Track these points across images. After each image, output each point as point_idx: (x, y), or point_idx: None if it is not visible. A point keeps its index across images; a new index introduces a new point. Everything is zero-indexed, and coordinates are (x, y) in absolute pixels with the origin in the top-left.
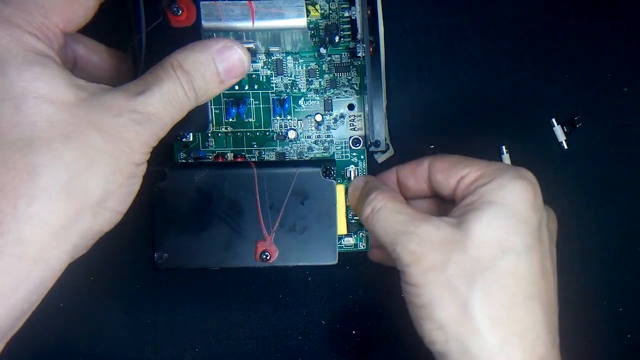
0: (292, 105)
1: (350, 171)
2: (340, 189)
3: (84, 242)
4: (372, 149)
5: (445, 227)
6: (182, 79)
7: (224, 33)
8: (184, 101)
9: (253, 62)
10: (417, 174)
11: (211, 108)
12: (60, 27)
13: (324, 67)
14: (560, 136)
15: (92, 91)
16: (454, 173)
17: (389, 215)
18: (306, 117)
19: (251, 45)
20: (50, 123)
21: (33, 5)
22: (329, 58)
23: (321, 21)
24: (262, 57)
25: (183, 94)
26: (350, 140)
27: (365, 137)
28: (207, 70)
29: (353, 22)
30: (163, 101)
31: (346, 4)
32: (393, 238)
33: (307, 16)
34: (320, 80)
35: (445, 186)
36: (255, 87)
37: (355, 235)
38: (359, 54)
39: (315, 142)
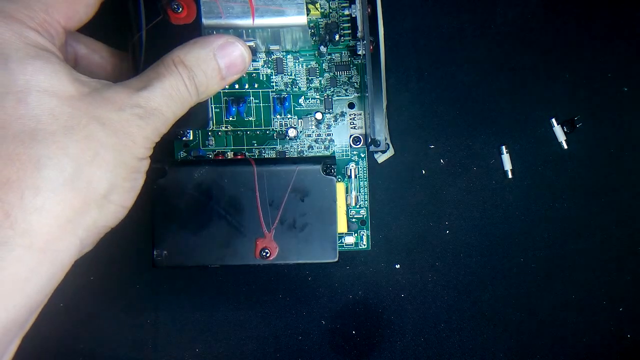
0: (292, 103)
1: (350, 169)
2: (340, 187)
3: (90, 236)
4: (372, 148)
5: None
6: (184, 75)
7: (224, 31)
8: (186, 97)
9: (253, 60)
10: None
11: (211, 107)
12: (62, 24)
13: (324, 65)
14: (560, 136)
15: (94, 86)
16: None
17: None
18: (306, 115)
19: (251, 44)
20: (53, 116)
21: (35, 2)
22: (329, 56)
23: (321, 19)
24: (262, 55)
25: (185, 89)
26: (351, 139)
27: (365, 136)
28: (209, 66)
29: (353, 20)
30: (165, 96)
31: (346, 2)
32: None
33: (307, 15)
34: (320, 78)
35: None
36: (256, 85)
37: (356, 234)
38: (359, 52)
39: (316, 141)
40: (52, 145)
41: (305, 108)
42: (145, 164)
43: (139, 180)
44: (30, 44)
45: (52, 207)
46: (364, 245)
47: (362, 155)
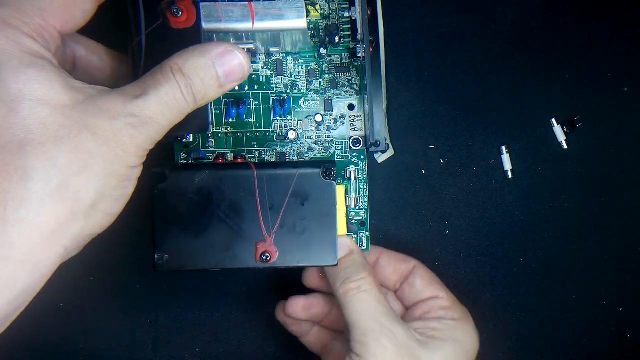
0: (292, 105)
1: (350, 171)
2: (340, 190)
3: (75, 244)
4: (372, 149)
5: (414, 341)
6: (181, 83)
7: (224, 34)
8: (183, 105)
9: (253, 62)
10: (398, 269)
11: (211, 109)
12: (58, 29)
13: (324, 67)
14: (560, 136)
15: (89, 93)
16: (433, 289)
17: (373, 302)
18: (306, 117)
19: (251, 46)
20: (44, 126)
21: (30, 6)
22: (329, 58)
23: (321, 21)
24: (262, 57)
25: (182, 97)
26: (351, 141)
27: (365, 138)
28: (207, 74)
29: (353, 22)
30: (161, 105)
31: (346, 4)
32: (368, 325)
33: (307, 17)
34: (320, 80)
35: (416, 293)
36: (255, 87)
37: (356, 236)
38: (359, 54)
39: (316, 143)
40: (40, 157)
41: (305, 110)
42: (136, 172)
43: (129, 188)
44: (25, 51)
45: (35, 219)
46: (364, 246)
47: (362, 157)
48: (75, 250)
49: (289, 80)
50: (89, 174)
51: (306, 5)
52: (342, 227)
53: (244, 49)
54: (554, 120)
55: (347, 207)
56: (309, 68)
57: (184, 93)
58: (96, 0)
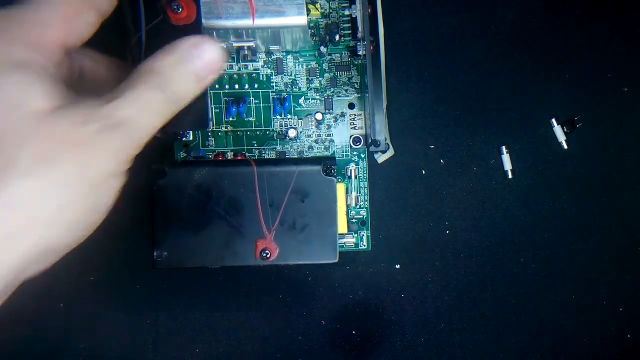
0: (292, 104)
1: (350, 170)
2: (340, 187)
3: (35, 256)
4: (372, 148)
5: None
6: (157, 83)
7: (224, 31)
8: (162, 105)
9: (253, 61)
10: None
11: (211, 107)
12: (61, 40)
13: (324, 65)
14: (560, 136)
15: (68, 100)
16: None
17: None
18: (306, 116)
19: (251, 44)
20: (10, 131)
21: (27, 17)
22: (329, 57)
23: (321, 20)
24: (263, 56)
25: (159, 97)
26: (351, 139)
27: (365, 136)
28: (182, 71)
29: (353, 20)
30: (137, 107)
31: (346, 2)
32: None
33: (307, 15)
34: (320, 79)
35: None
36: (256, 86)
37: (356, 235)
38: (360, 53)
39: (316, 141)
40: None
41: (305, 108)
42: (117, 180)
43: (106, 198)
44: (11, 59)
45: None
46: (364, 245)
47: (362, 156)
48: (38, 264)
49: (289, 78)
50: (50, 179)
51: (306, 3)
52: (342, 225)
53: (240, 45)
54: (554, 120)
55: (347, 205)
56: (309, 66)
57: (160, 93)
58: (99, 14)
